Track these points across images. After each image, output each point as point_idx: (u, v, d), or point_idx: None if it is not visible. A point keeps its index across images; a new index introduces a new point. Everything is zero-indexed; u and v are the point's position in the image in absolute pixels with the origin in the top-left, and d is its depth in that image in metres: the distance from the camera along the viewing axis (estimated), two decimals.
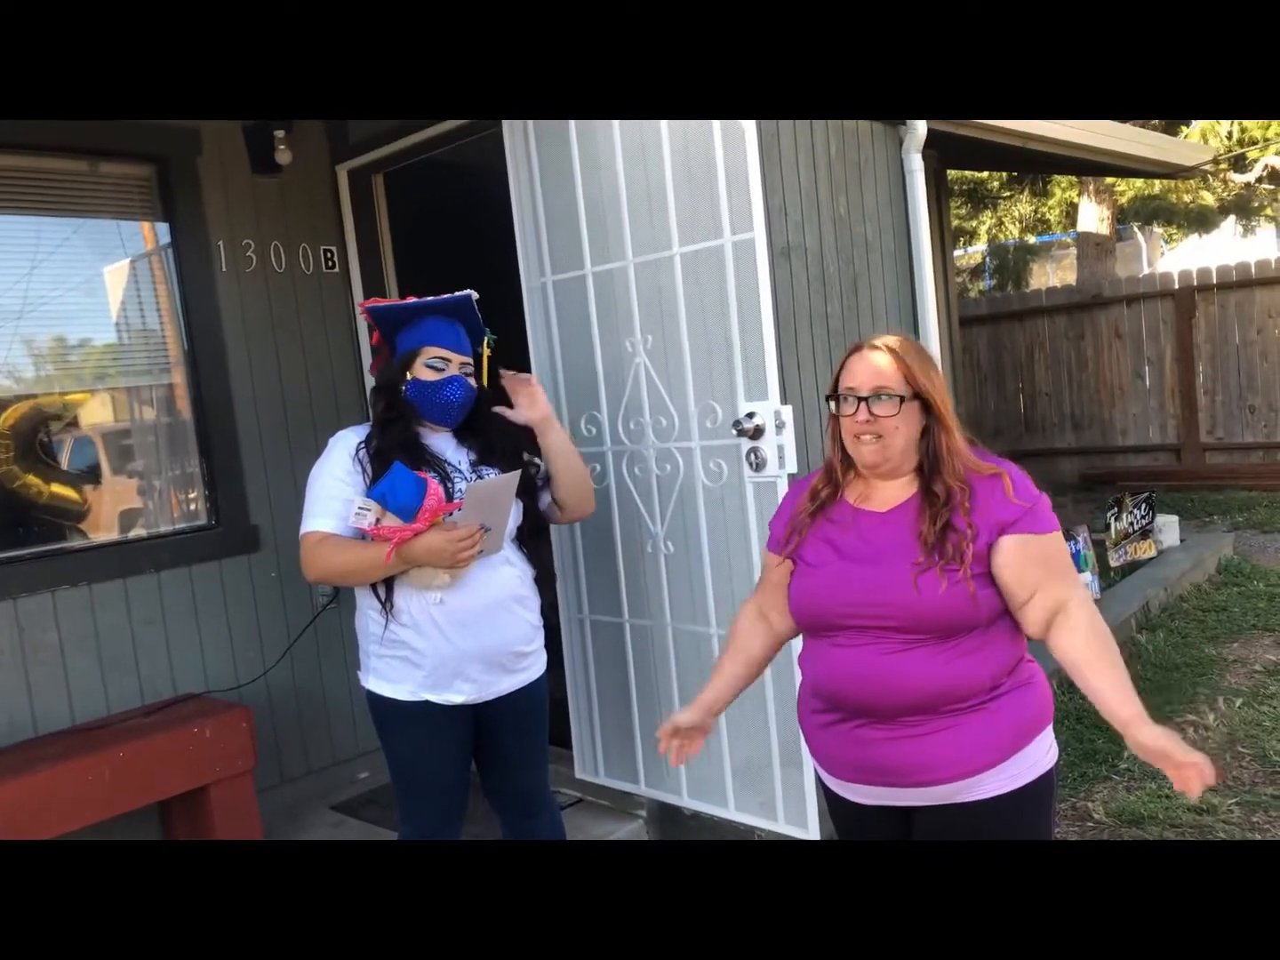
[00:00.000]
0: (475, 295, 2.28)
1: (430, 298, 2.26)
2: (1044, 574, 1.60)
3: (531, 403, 2.35)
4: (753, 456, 2.66)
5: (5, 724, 2.94)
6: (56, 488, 3.22)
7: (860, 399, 1.64)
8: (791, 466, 2.63)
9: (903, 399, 1.63)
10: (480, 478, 2.20)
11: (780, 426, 2.61)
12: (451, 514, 2.07)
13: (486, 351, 2.33)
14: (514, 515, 2.23)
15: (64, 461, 3.28)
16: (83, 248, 3.29)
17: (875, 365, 1.66)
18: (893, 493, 1.69)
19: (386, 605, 2.19)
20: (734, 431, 2.66)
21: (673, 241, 2.77)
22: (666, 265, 2.79)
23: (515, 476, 2.15)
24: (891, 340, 1.69)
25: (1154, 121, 9.89)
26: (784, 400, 2.64)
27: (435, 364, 2.21)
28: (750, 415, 2.64)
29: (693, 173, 2.70)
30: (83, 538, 3.26)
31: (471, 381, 2.26)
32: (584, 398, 3.05)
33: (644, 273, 2.85)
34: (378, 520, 2.07)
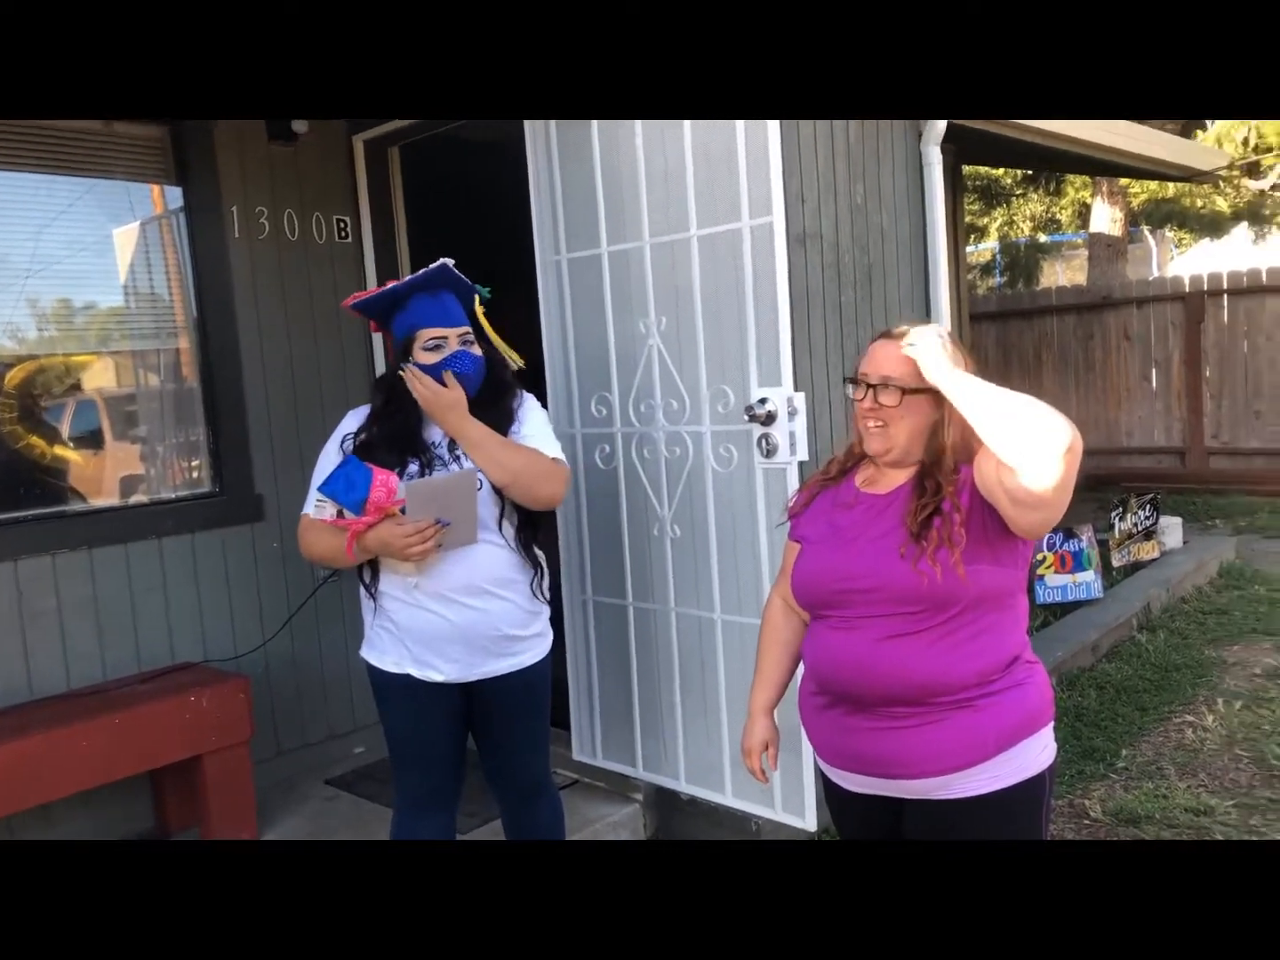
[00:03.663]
0: (451, 262, 2.24)
1: (406, 278, 2.23)
2: None
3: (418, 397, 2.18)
4: (764, 442, 2.64)
5: (1, 687, 2.93)
6: (60, 450, 3.20)
7: (869, 386, 1.65)
8: (803, 454, 2.61)
9: (905, 391, 1.62)
10: (459, 463, 2.19)
11: (793, 413, 2.59)
12: (404, 508, 2.06)
13: (480, 309, 2.29)
14: (494, 498, 2.18)
15: (68, 424, 3.25)
16: (93, 209, 3.25)
17: (889, 354, 1.66)
18: (896, 478, 1.69)
19: (370, 586, 2.23)
20: (745, 417, 2.64)
21: (690, 223, 2.74)
22: (683, 247, 2.76)
23: (469, 474, 2.12)
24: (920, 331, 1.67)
25: (1169, 125, 9.86)
26: (796, 387, 2.61)
27: (432, 345, 2.19)
28: (763, 401, 2.61)
29: (712, 154, 2.67)
30: (85, 502, 3.23)
31: (475, 350, 2.23)
32: (595, 378, 3.02)
33: (660, 254, 2.82)
34: (339, 512, 2.09)
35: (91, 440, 3.30)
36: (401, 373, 2.19)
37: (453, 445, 2.21)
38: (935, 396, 1.62)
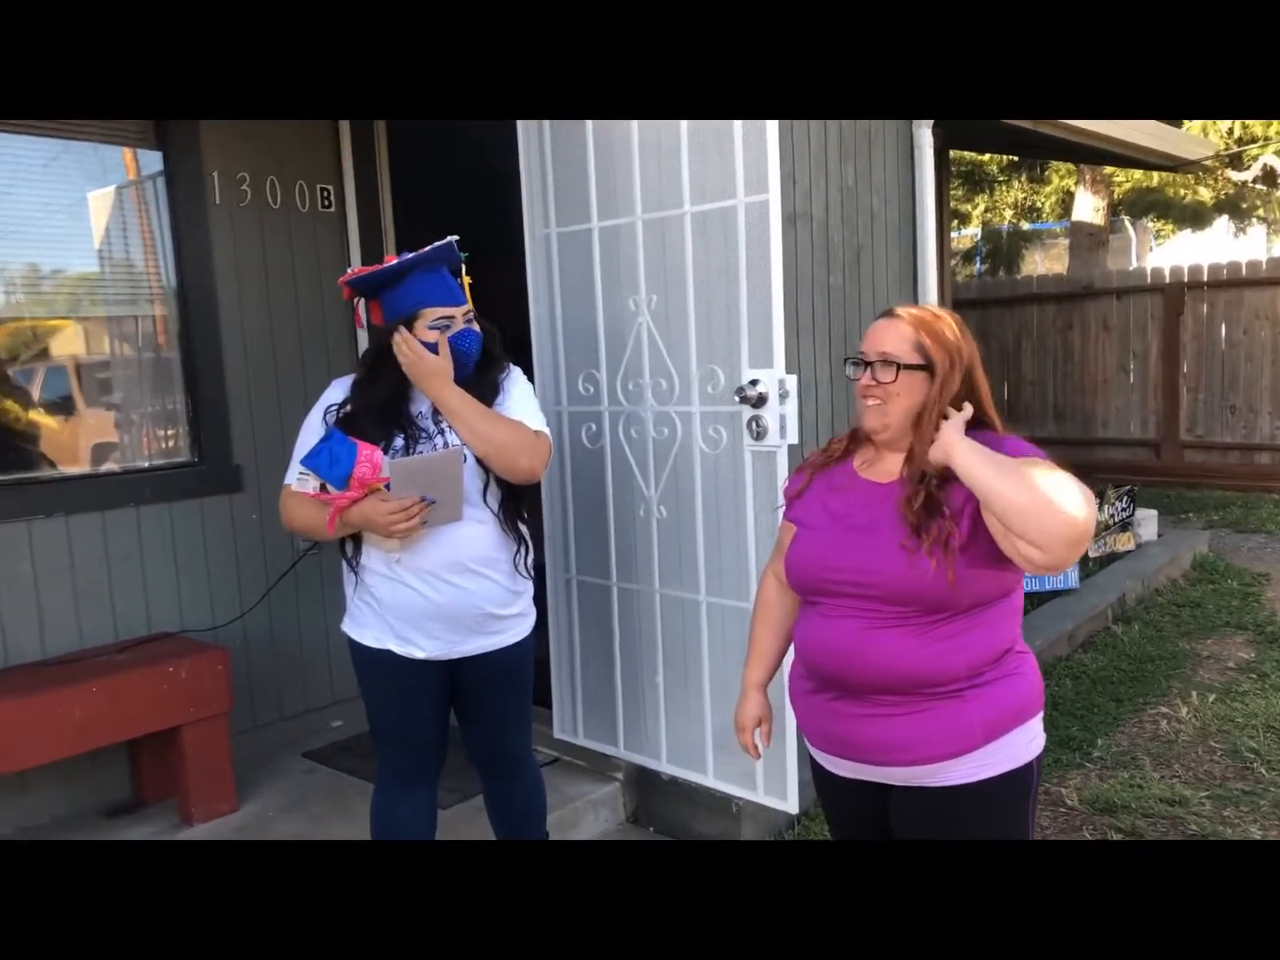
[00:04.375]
0: (455, 239, 2.21)
1: (416, 254, 2.16)
2: None
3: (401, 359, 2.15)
4: (754, 425, 2.63)
5: None
6: (35, 416, 3.14)
7: (867, 363, 1.65)
8: (793, 437, 2.59)
9: (900, 367, 1.61)
10: (444, 436, 2.16)
11: (784, 396, 2.58)
12: (389, 484, 2.03)
13: (467, 280, 2.26)
14: (479, 475, 2.17)
15: (43, 389, 3.19)
16: (70, 170, 3.18)
17: (887, 332, 1.66)
18: (893, 465, 1.68)
19: (353, 560, 2.21)
20: (736, 398, 2.63)
21: (684, 199, 2.71)
22: (676, 223, 2.73)
23: (455, 452, 2.09)
24: (920, 311, 1.67)
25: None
26: (788, 370, 2.60)
27: (440, 324, 2.15)
28: (754, 383, 2.60)
29: (707, 130, 2.64)
30: (62, 468, 3.17)
31: (476, 327, 2.21)
32: (583, 355, 2.99)
33: (652, 230, 2.79)
34: (322, 486, 2.06)
35: (68, 406, 3.24)
36: (394, 335, 2.15)
37: (438, 417, 2.18)
38: (931, 376, 1.62)
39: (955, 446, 1.54)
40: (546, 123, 2.96)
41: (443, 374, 2.13)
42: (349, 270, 2.28)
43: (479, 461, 2.16)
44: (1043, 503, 1.45)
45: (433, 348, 2.13)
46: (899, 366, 1.61)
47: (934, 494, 1.57)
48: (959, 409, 1.62)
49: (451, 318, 2.16)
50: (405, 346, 2.12)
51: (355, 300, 2.30)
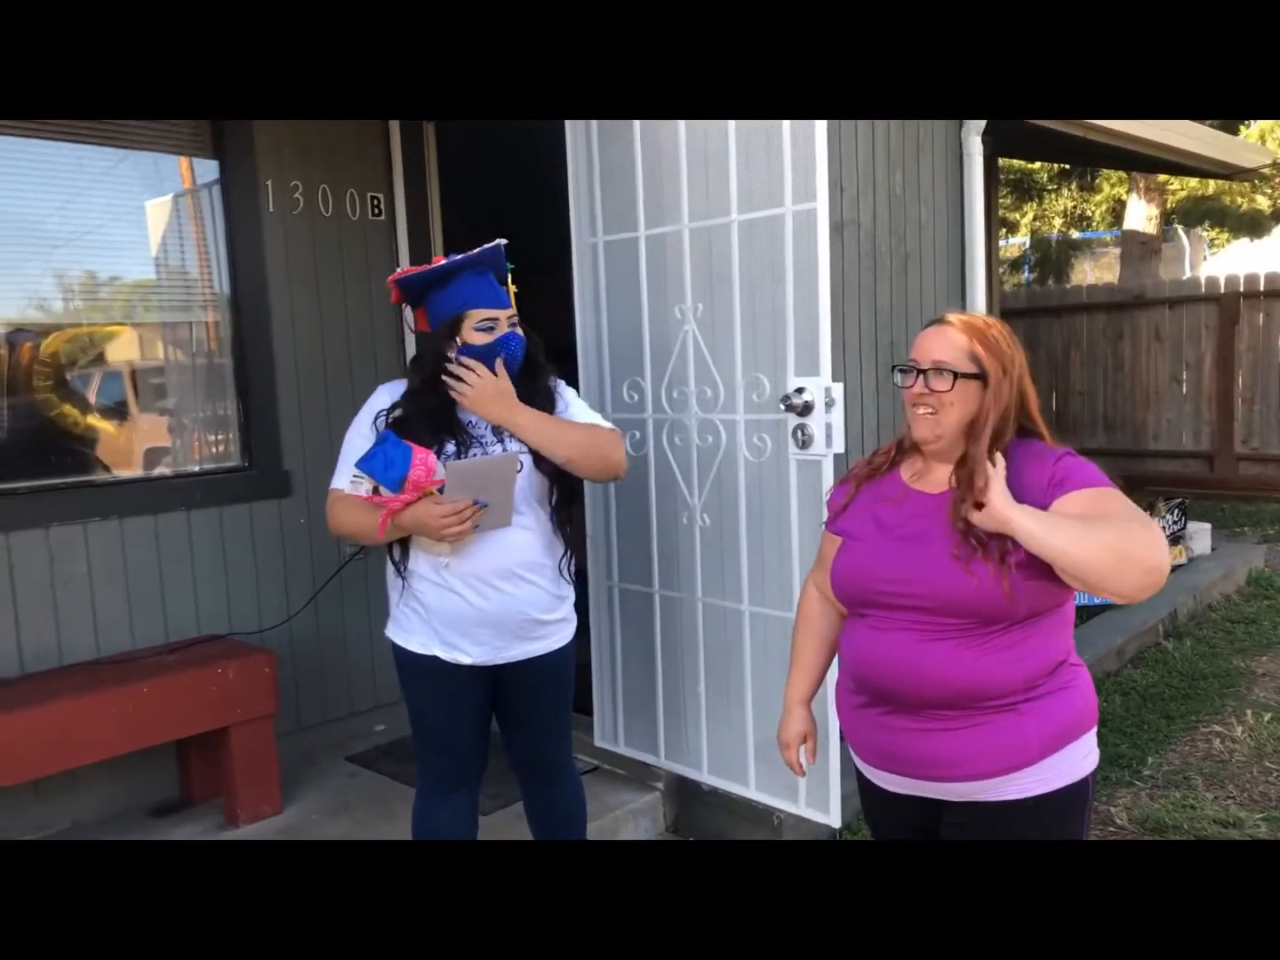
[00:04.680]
0: (504, 242, 2.23)
1: (462, 256, 2.19)
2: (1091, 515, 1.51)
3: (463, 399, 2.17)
4: (799, 433, 2.61)
5: (31, 652, 2.94)
6: (92, 419, 3.21)
7: (920, 371, 1.62)
8: (839, 445, 2.58)
9: (957, 375, 1.59)
10: (503, 445, 2.17)
11: (830, 404, 2.56)
12: (441, 488, 2.04)
13: (513, 288, 2.27)
14: (531, 483, 2.18)
15: (100, 394, 3.26)
16: (129, 179, 3.25)
17: (940, 340, 1.63)
18: (944, 474, 1.65)
19: (400, 564, 2.21)
20: (781, 406, 2.61)
21: (731, 208, 2.70)
22: (723, 232, 2.73)
23: (510, 458, 2.10)
24: (972, 318, 1.65)
25: (1209, 120, 9.71)
26: (834, 378, 2.58)
27: (485, 326, 2.17)
28: (800, 391, 2.58)
29: (754, 138, 2.64)
30: (116, 471, 3.24)
31: (519, 331, 2.22)
32: (628, 363, 3.00)
33: (699, 238, 2.79)
34: (375, 489, 2.07)
35: (122, 411, 3.30)
36: (450, 366, 2.16)
37: (497, 428, 2.19)
38: (984, 385, 1.60)
39: (1013, 520, 1.45)
40: (594, 132, 2.97)
41: (507, 395, 2.15)
42: (398, 270, 2.30)
43: (536, 466, 2.17)
44: (1120, 560, 1.42)
45: (486, 355, 2.14)
46: (956, 375, 1.59)
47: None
48: (1009, 421, 1.60)
49: (496, 319, 2.18)
50: (471, 375, 2.13)
51: (402, 304, 2.32)
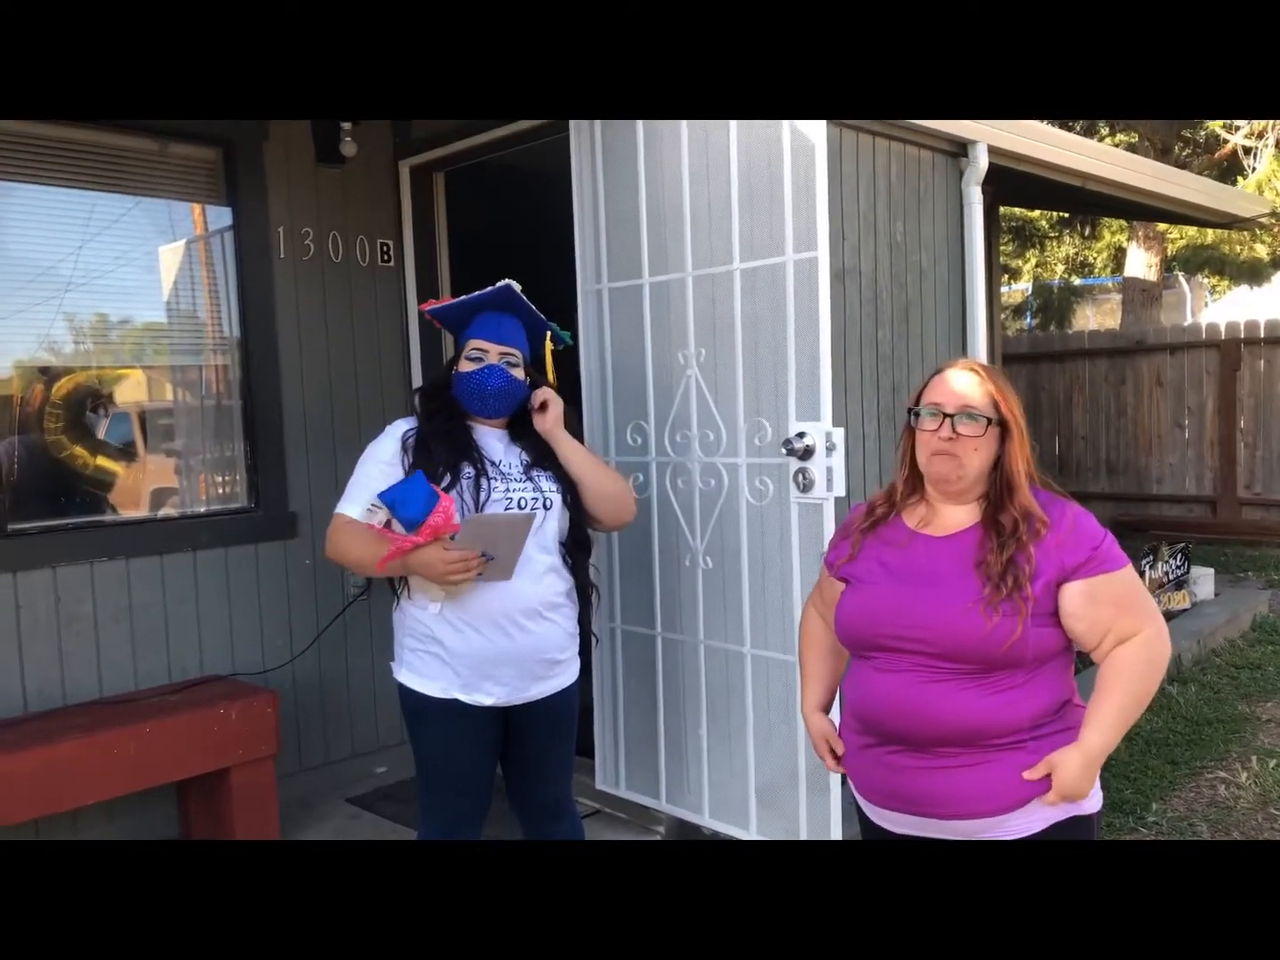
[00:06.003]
0: (517, 286, 2.29)
1: (473, 294, 2.29)
2: (1117, 613, 1.59)
3: (541, 411, 2.30)
4: (800, 477, 2.64)
5: (35, 691, 2.96)
6: (102, 461, 3.24)
7: (946, 415, 1.63)
8: (840, 489, 2.60)
9: (989, 421, 1.63)
10: (533, 483, 2.22)
11: (831, 448, 2.59)
12: (454, 535, 2.05)
13: (550, 347, 2.33)
14: (559, 524, 2.23)
15: (109, 435, 3.30)
16: (141, 225, 3.31)
17: (964, 384, 1.66)
18: (956, 518, 1.67)
19: (400, 599, 2.24)
20: (783, 450, 2.64)
21: (733, 256, 2.75)
22: (725, 280, 2.78)
23: (528, 518, 2.13)
24: (979, 364, 1.69)
25: (1208, 171, 9.83)
26: (835, 422, 2.61)
27: (474, 355, 2.25)
28: (800, 435, 2.61)
29: (758, 187, 2.69)
30: (124, 512, 3.27)
31: (514, 373, 2.26)
32: (632, 407, 3.03)
33: (702, 286, 2.84)
34: (388, 522, 2.09)
35: (131, 452, 3.34)
36: (536, 392, 2.30)
37: (528, 469, 2.24)
38: (1004, 429, 1.63)
39: (1078, 788, 1.57)
40: (600, 181, 3.03)
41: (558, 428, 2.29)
42: (430, 300, 2.46)
43: (566, 506, 2.23)
44: (1152, 692, 1.66)
45: (470, 383, 2.22)
46: (988, 421, 1.63)
47: (1014, 557, 1.57)
48: (1033, 465, 1.66)
49: (485, 351, 2.24)
50: (547, 400, 2.27)
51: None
